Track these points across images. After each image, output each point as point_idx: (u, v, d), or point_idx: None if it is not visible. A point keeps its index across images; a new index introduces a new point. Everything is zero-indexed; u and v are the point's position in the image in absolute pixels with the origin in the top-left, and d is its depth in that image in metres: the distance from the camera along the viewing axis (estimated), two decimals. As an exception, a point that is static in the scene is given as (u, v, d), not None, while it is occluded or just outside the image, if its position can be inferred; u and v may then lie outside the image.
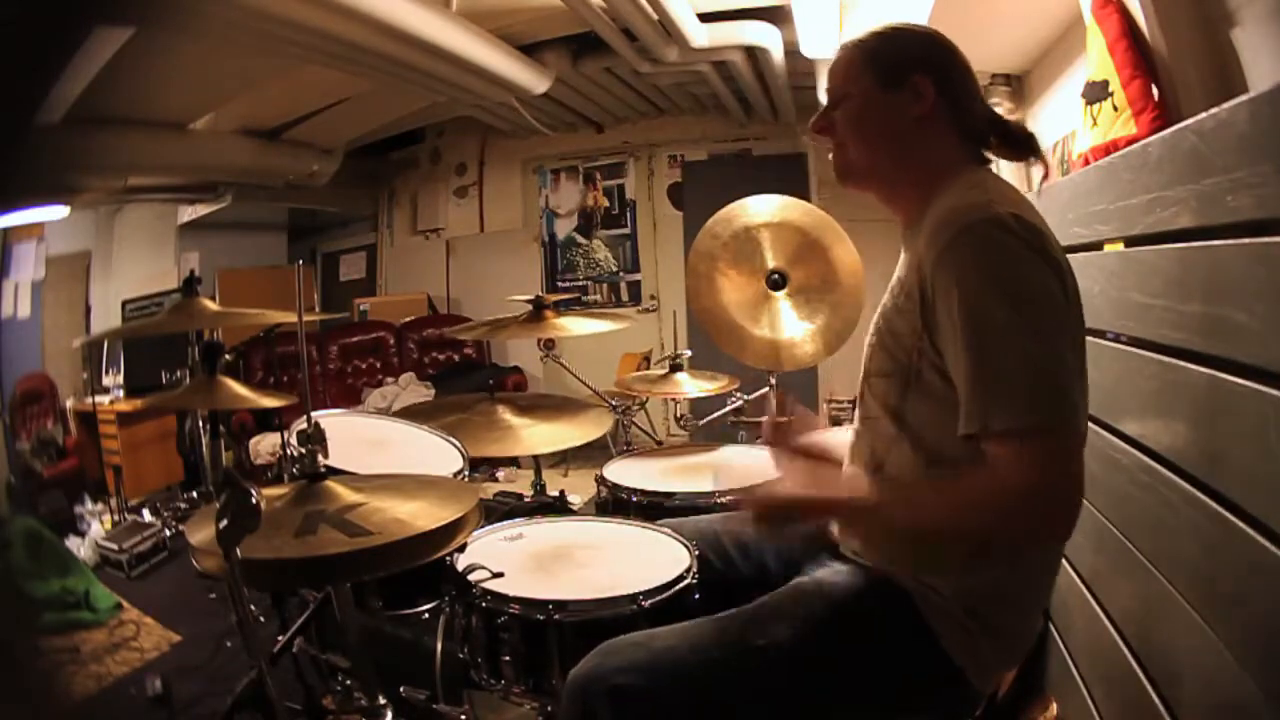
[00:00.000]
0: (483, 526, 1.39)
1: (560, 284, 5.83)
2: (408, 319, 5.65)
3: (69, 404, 4.93)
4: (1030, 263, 0.88)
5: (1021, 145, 1.07)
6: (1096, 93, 1.40)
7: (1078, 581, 1.37)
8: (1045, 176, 1.09)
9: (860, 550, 1.06)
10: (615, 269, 5.77)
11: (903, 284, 1.01)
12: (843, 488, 1.06)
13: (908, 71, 1.02)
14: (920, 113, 1.02)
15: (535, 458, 2.20)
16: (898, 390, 0.99)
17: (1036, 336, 0.85)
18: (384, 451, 1.71)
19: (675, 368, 2.21)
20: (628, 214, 5.71)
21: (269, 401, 1.88)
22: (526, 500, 2.16)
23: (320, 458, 1.25)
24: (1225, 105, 0.85)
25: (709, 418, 2.48)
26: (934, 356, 0.94)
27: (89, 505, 4.09)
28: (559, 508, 2.04)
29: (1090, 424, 1.27)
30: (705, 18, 3.49)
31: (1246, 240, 0.82)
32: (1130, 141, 1.27)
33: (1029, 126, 2.44)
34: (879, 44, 1.07)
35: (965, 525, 0.87)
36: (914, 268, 0.97)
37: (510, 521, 1.52)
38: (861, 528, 1.05)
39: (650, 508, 1.61)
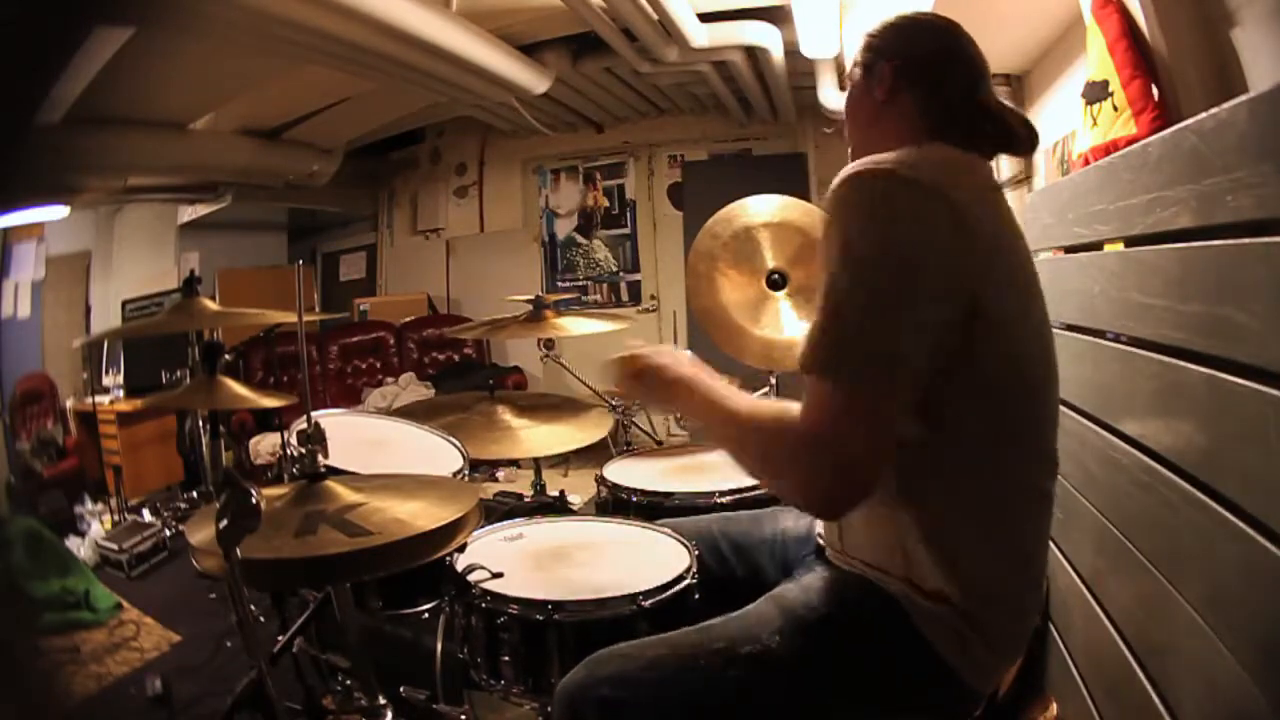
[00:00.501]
0: (483, 526, 1.39)
1: (560, 284, 5.83)
2: (408, 319, 5.65)
3: (69, 404, 4.93)
4: (886, 218, 0.87)
5: (1003, 137, 1.05)
6: (1096, 93, 1.40)
7: (1078, 581, 1.37)
8: (1029, 176, 1.07)
9: (847, 557, 1.05)
10: (615, 269, 5.77)
11: None
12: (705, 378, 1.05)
13: (878, 58, 1.07)
14: (881, 97, 1.06)
15: (535, 458, 2.20)
16: None
17: (871, 291, 0.85)
18: (384, 451, 1.71)
19: (675, 368, 2.20)
20: (628, 214, 5.71)
21: (269, 401, 1.88)
22: (526, 500, 2.17)
23: (320, 458, 1.25)
24: (1225, 105, 0.85)
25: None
26: None
27: (89, 505, 4.09)
28: (559, 508, 2.04)
29: (1090, 424, 1.28)
30: (705, 18, 3.49)
31: (1247, 240, 0.82)
32: (1130, 141, 1.27)
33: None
34: (873, 32, 1.12)
35: (754, 443, 0.92)
36: None
37: (510, 521, 1.52)
38: (691, 410, 1.04)
39: (650, 508, 1.61)
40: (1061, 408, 1.37)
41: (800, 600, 1.02)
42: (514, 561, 1.32)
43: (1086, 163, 1.43)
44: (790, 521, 1.28)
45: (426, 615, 1.50)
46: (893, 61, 1.05)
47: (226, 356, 1.89)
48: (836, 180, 0.90)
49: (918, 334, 0.85)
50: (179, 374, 4.47)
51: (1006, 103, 1.07)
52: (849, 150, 1.15)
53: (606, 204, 5.76)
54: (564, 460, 4.39)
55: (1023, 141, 1.06)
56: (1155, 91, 1.29)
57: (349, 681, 1.61)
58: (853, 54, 1.14)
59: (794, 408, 0.88)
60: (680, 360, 1.06)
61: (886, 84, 1.05)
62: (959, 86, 1.05)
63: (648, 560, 1.28)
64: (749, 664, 0.95)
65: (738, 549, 1.28)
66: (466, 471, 1.65)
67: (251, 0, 2.40)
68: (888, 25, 1.11)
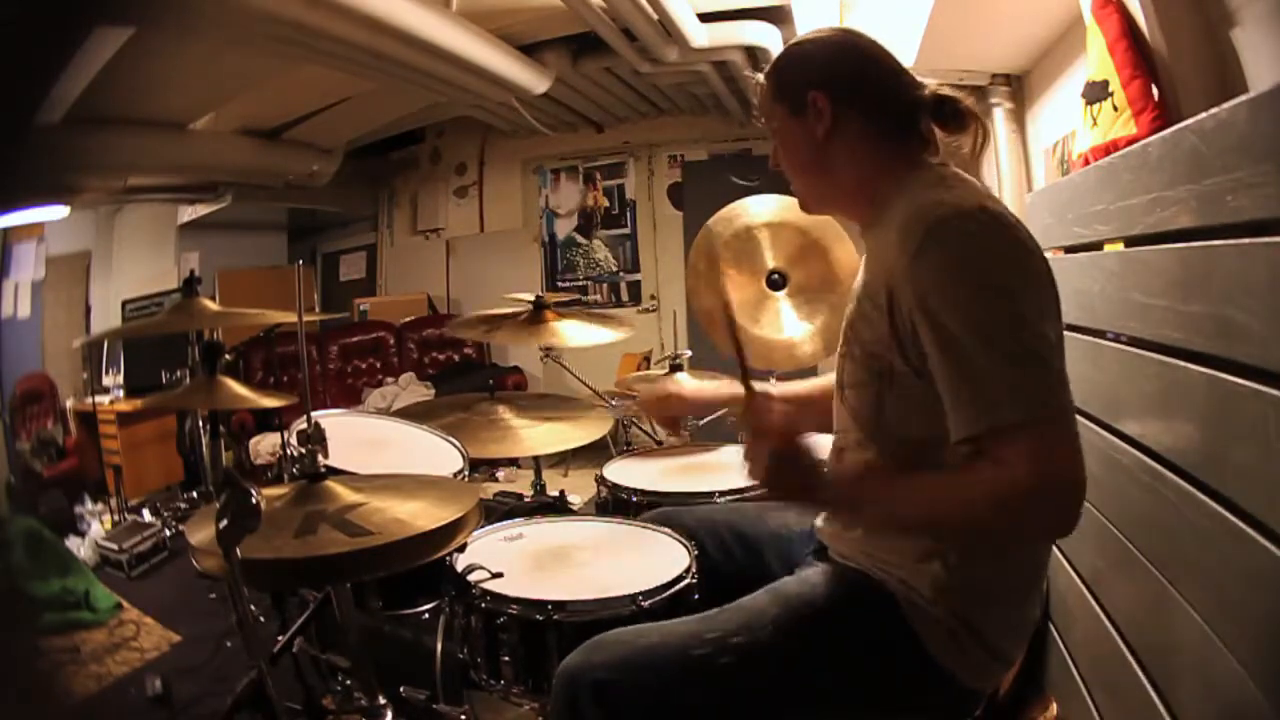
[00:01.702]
0: (483, 526, 1.39)
1: (560, 284, 5.83)
2: (408, 319, 5.65)
3: (69, 404, 4.93)
4: (1003, 251, 0.87)
5: (953, 117, 1.03)
6: (1096, 93, 1.40)
7: (1078, 581, 1.37)
8: (983, 144, 1.05)
9: (847, 553, 1.05)
10: (615, 269, 5.77)
11: (867, 289, 0.99)
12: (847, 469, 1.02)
13: (804, 91, 1.02)
14: (825, 130, 1.02)
15: (535, 458, 2.20)
16: (872, 400, 0.98)
17: (1021, 325, 0.84)
18: (384, 451, 1.71)
19: (675, 368, 2.21)
20: (628, 214, 5.71)
21: (269, 401, 1.88)
22: (526, 500, 2.16)
23: (320, 458, 1.25)
24: (1225, 105, 0.85)
25: (709, 418, 2.48)
26: (904, 361, 0.92)
27: (89, 505, 4.09)
28: (559, 508, 2.04)
29: (1090, 424, 1.28)
30: (705, 18, 3.49)
31: (1247, 240, 0.82)
32: (1130, 141, 1.27)
33: (1029, 127, 2.44)
34: (780, 68, 1.08)
35: (975, 519, 0.85)
36: (880, 272, 0.96)
37: (510, 521, 1.52)
38: (861, 512, 1.00)
39: (650, 508, 1.60)
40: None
41: (796, 594, 1.03)
42: (514, 561, 1.32)
43: (1086, 163, 1.43)
44: (794, 517, 1.28)
45: (426, 615, 1.50)
46: (822, 90, 1.01)
47: (226, 356, 1.89)
48: (920, 233, 0.88)
49: (1059, 352, 0.87)
50: (179, 374, 4.47)
51: (944, 90, 1.03)
52: (800, 197, 1.11)
53: (606, 204, 5.76)
54: (564, 460, 4.39)
55: (964, 119, 1.03)
56: (1155, 91, 1.28)
57: (349, 681, 1.61)
58: (759, 103, 1.10)
59: (984, 469, 0.84)
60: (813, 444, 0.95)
61: (826, 115, 1.01)
62: (894, 90, 1.03)
63: (648, 560, 1.28)
64: (741, 654, 0.96)
65: (742, 540, 1.28)
66: (466, 471, 1.65)
67: (251, 0, 2.40)
68: (796, 55, 1.07)
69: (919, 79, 1.04)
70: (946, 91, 1.03)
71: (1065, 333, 1.27)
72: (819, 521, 1.16)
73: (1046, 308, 0.88)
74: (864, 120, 1.02)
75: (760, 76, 1.10)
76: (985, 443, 0.84)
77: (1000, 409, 0.82)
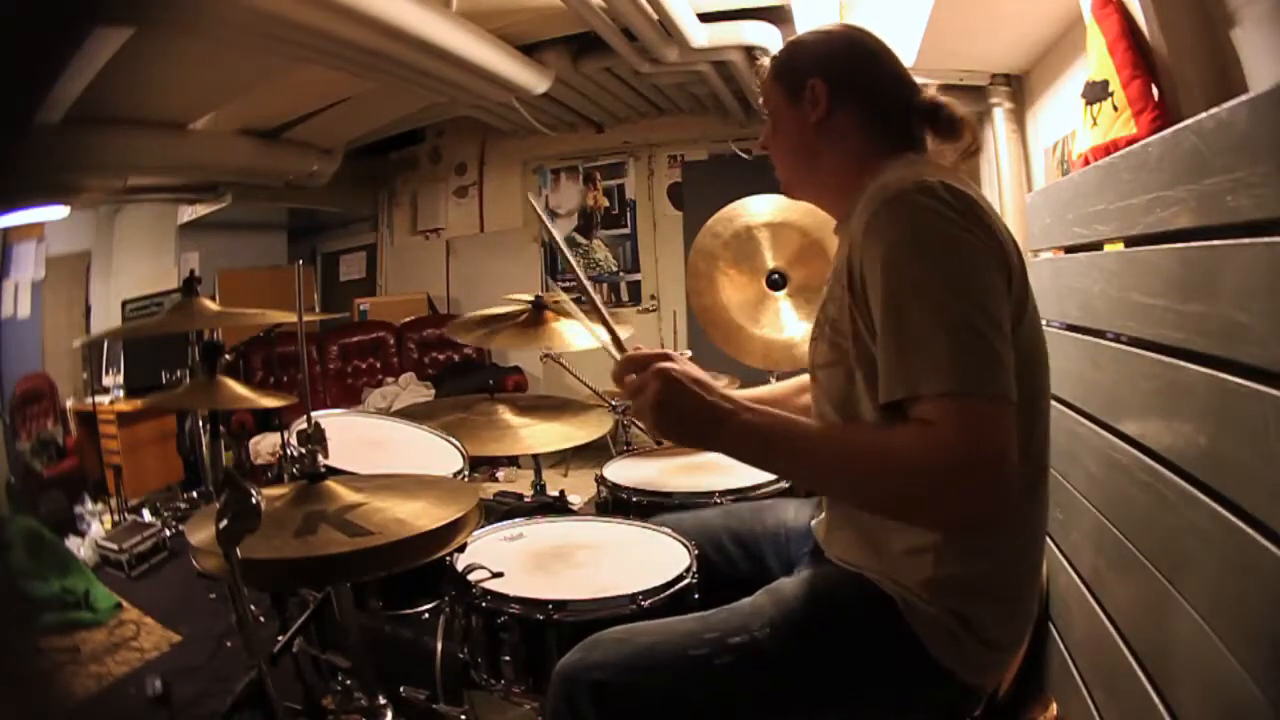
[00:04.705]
0: (483, 526, 1.39)
1: (560, 284, 5.83)
2: (408, 319, 5.65)
3: (69, 404, 4.93)
4: (955, 224, 0.85)
5: (948, 124, 1.04)
6: (1096, 93, 1.40)
7: (1078, 581, 1.37)
8: (972, 151, 1.06)
9: (843, 554, 1.05)
10: (615, 269, 5.77)
11: (835, 272, 1.00)
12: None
13: (804, 78, 1.05)
14: (818, 118, 1.04)
15: (535, 458, 2.20)
16: (842, 380, 0.98)
17: (961, 297, 0.82)
18: (384, 451, 1.71)
19: (675, 368, 2.20)
20: (628, 214, 5.71)
21: (269, 401, 1.89)
22: (526, 500, 2.16)
23: (320, 458, 1.26)
24: (1225, 105, 0.85)
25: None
26: (866, 329, 0.91)
27: (89, 505, 4.10)
28: (559, 508, 2.04)
29: (1090, 424, 1.28)
30: (705, 18, 3.49)
31: (1246, 240, 0.82)
32: (1130, 141, 1.27)
33: (1029, 127, 2.44)
34: (784, 55, 1.11)
35: (889, 483, 0.83)
36: (844, 250, 0.98)
37: (510, 521, 1.52)
38: (768, 456, 0.94)
39: (650, 508, 1.61)
40: (1062, 408, 1.37)
41: (793, 594, 1.03)
42: (514, 561, 1.32)
43: (1086, 163, 1.43)
44: (791, 515, 1.28)
45: (426, 615, 1.50)
46: (822, 79, 1.04)
47: (226, 356, 1.89)
48: (876, 204, 0.89)
49: (1005, 333, 0.84)
50: (179, 374, 4.47)
51: (940, 96, 1.05)
52: (781, 179, 1.13)
53: (606, 204, 5.76)
54: (564, 460, 4.39)
55: (958, 127, 1.05)
56: (1155, 91, 1.28)
57: (349, 681, 1.61)
58: (760, 84, 1.12)
59: (907, 431, 0.82)
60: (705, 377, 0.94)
61: (822, 102, 1.04)
62: (891, 90, 1.05)
63: (648, 560, 1.28)
64: (737, 654, 0.96)
65: (740, 543, 1.28)
66: (466, 471, 1.65)
67: (252, 0, 2.40)
68: (802, 44, 1.11)
69: (918, 84, 1.06)
70: (943, 99, 1.05)
71: (1065, 332, 1.28)
72: (815, 524, 1.17)
73: (998, 288, 0.86)
74: (857, 115, 1.04)
75: (767, 60, 1.13)
76: (907, 409, 0.82)
77: (928, 378, 0.80)
